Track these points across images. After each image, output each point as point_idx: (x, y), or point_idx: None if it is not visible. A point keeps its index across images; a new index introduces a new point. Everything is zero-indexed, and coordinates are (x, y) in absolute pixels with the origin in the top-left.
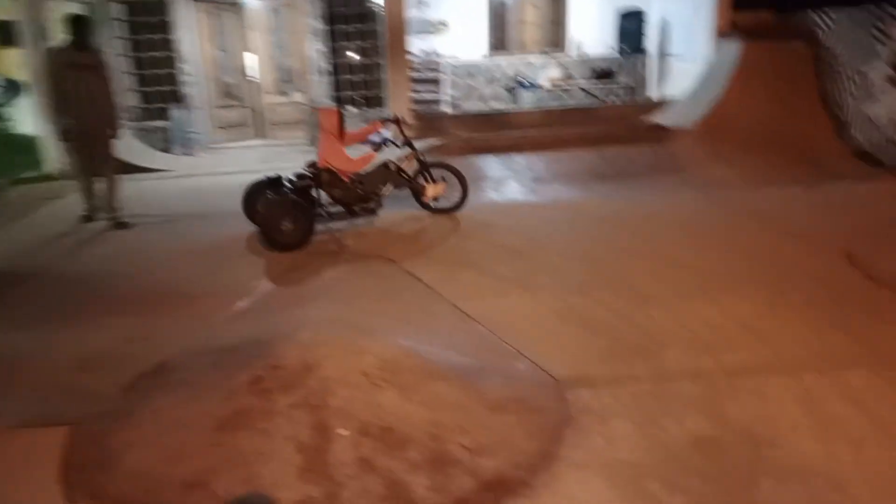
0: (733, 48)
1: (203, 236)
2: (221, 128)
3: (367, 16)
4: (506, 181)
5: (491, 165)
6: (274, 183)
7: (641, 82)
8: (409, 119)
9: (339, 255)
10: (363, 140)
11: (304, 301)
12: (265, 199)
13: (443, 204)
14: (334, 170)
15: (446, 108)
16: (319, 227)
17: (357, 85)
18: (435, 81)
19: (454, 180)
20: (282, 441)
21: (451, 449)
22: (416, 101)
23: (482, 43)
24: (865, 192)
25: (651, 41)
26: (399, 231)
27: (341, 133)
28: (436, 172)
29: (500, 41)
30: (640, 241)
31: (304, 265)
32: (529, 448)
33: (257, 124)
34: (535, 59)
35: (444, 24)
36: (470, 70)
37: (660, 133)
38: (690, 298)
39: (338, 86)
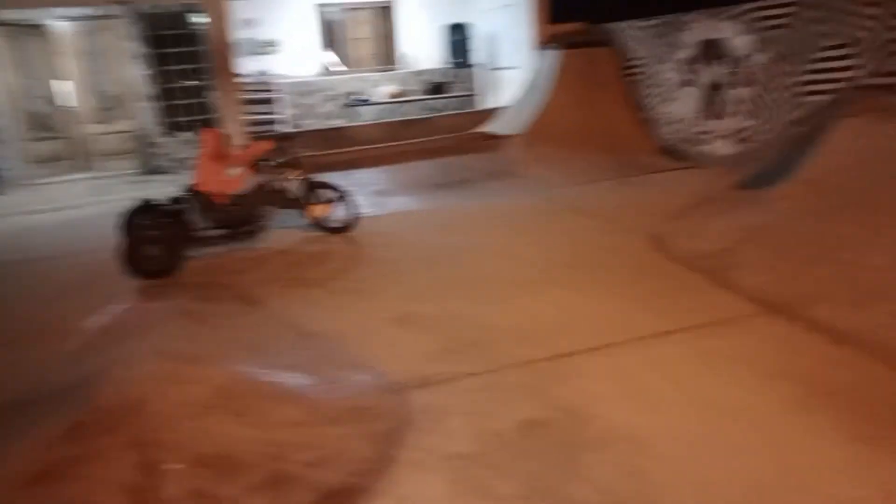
0: (553, 57)
1: (25, 277)
2: (37, 162)
3: (193, 37)
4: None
5: (333, 181)
6: (146, 208)
7: (474, 93)
8: (243, 137)
9: (183, 282)
10: (247, 161)
11: (136, 334)
12: (132, 225)
13: (331, 223)
14: (210, 192)
15: (283, 128)
16: (197, 252)
17: (188, 109)
18: (269, 101)
19: (345, 198)
20: (106, 486)
21: (290, 467)
22: (252, 122)
23: (317, 61)
24: (669, 183)
25: (480, 53)
26: (271, 254)
27: (222, 154)
28: (322, 192)
29: (334, 58)
30: (475, 243)
31: (146, 294)
32: (369, 455)
33: (79, 156)
34: (371, 74)
35: (275, 43)
36: (305, 88)
37: (491, 140)
38: (519, 293)
39: (167, 111)
